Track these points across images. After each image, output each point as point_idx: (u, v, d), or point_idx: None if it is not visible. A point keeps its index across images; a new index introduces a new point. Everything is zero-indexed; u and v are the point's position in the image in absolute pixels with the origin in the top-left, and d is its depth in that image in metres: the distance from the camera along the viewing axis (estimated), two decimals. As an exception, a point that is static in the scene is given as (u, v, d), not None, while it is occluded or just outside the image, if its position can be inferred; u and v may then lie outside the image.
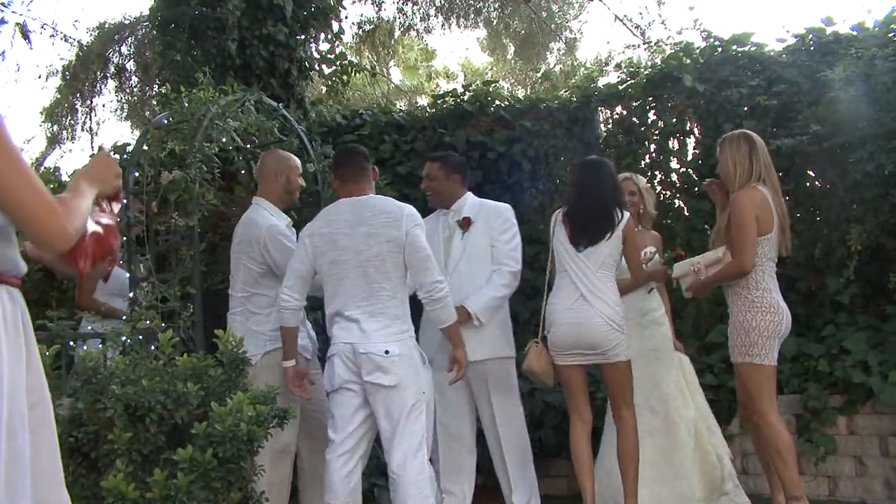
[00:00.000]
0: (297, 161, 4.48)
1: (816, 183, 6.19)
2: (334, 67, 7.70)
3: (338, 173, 4.01)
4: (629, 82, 6.90)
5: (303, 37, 7.12)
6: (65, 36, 11.62)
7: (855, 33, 6.19)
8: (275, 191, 4.32)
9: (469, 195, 4.62)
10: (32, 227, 1.80)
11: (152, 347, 3.86)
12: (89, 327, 4.67)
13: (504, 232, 4.49)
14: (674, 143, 6.78)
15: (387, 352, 3.63)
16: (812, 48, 6.36)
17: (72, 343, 3.92)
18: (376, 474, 4.72)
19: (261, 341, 4.06)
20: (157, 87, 8.14)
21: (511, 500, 4.40)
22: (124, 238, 4.58)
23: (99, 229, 2.08)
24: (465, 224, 4.50)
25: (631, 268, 4.27)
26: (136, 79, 11.98)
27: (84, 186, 2.03)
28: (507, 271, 4.41)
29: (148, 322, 3.97)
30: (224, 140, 4.64)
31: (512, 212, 4.61)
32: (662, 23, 12.48)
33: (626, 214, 4.22)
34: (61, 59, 13.67)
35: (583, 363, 4.20)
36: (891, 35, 5.90)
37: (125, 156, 6.12)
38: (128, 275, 4.44)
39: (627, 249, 4.22)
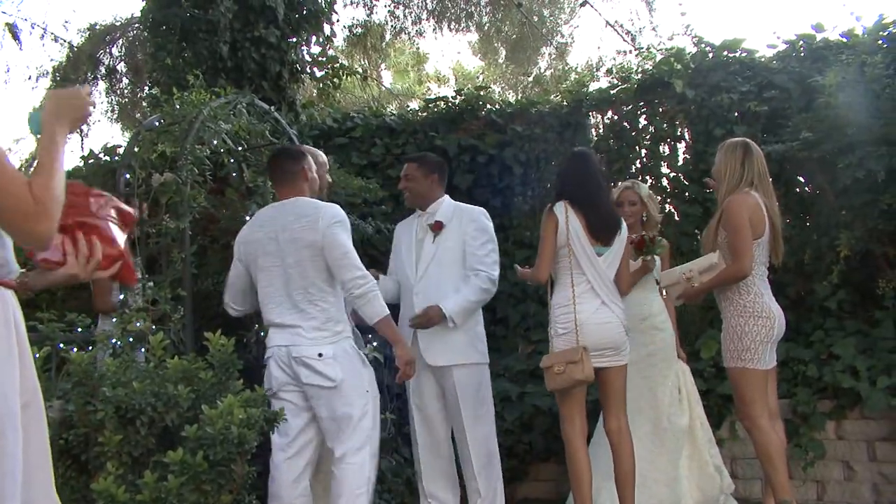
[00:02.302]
0: None
1: (806, 188, 6.22)
2: (326, 70, 7.70)
3: (270, 176, 4.02)
4: (620, 87, 6.93)
5: (294, 39, 7.12)
6: (55, 37, 11.60)
7: (845, 40, 6.23)
8: None
9: (446, 198, 4.51)
10: (14, 230, 1.81)
11: (143, 350, 3.86)
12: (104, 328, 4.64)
13: (477, 237, 4.35)
14: (664, 148, 6.81)
15: (320, 354, 3.60)
16: (802, 54, 6.40)
17: (62, 345, 3.90)
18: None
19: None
20: (148, 88, 8.11)
21: None
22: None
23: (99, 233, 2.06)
24: (437, 228, 4.37)
25: (622, 275, 4.23)
26: (127, 80, 11.95)
27: (55, 130, 1.88)
28: (487, 276, 4.28)
29: (139, 324, 3.96)
30: (215, 142, 4.64)
31: (486, 215, 4.48)
32: (653, 28, 12.56)
33: (623, 222, 4.23)
34: (51, 60, 13.62)
35: (596, 366, 4.09)
36: (880, 42, 5.94)
37: (116, 158, 6.11)
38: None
39: (624, 257, 4.21)
